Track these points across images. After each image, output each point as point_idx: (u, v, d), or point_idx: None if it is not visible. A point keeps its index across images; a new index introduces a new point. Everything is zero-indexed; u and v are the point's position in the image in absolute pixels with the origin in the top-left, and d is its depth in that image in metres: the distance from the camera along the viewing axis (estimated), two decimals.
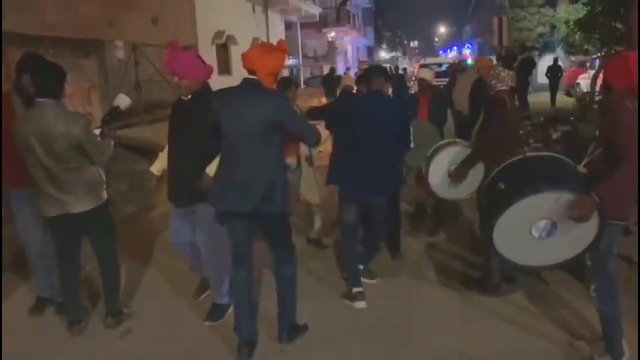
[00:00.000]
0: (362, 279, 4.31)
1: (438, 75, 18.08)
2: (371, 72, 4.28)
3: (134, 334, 3.82)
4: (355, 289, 4.17)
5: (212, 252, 3.82)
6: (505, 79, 4.11)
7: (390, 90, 4.89)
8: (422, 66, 6.28)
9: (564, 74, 19.49)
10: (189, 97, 3.61)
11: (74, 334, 3.79)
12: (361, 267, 4.41)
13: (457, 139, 4.96)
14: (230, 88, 3.30)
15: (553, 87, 18.54)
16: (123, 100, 3.81)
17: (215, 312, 3.96)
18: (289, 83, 5.06)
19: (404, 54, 49.76)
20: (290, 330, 3.63)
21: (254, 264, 3.60)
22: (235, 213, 3.28)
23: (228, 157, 3.26)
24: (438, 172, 4.65)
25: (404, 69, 26.84)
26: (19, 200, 3.87)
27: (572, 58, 25.05)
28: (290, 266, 3.55)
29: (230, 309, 3.89)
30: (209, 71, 3.67)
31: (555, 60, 19.23)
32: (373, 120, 4.00)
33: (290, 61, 23.18)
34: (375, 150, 4.00)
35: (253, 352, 3.50)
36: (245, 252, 3.47)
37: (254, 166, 3.18)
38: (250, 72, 3.25)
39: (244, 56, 3.27)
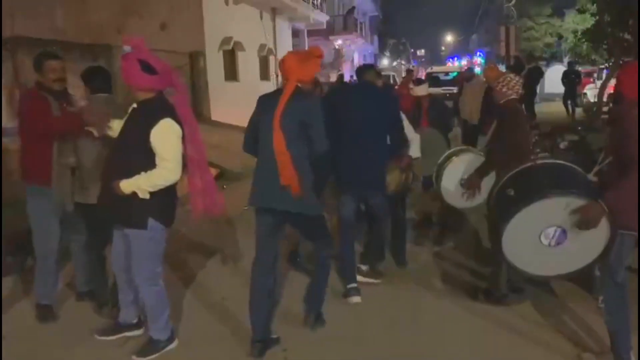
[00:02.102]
0: (364, 278, 4.57)
1: (444, 83, 18.12)
2: (362, 67, 4.69)
3: (138, 339, 3.80)
4: (350, 285, 4.30)
5: (145, 281, 3.45)
6: (516, 86, 4.09)
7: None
8: (418, 82, 6.36)
9: (581, 80, 18.22)
10: (135, 105, 3.36)
11: (105, 316, 3.98)
12: (362, 266, 4.65)
13: (470, 147, 4.93)
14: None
15: (569, 94, 17.05)
16: None
17: (149, 347, 3.55)
18: (315, 84, 5.07)
19: (408, 61, 48.94)
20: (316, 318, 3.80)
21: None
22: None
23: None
24: (450, 180, 4.64)
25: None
26: (44, 197, 3.84)
27: (580, 68, 25.01)
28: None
29: (173, 344, 3.61)
30: (152, 80, 3.26)
31: (570, 64, 18.45)
32: (359, 109, 4.14)
33: None
34: (364, 141, 4.10)
35: (264, 352, 3.52)
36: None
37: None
38: (287, 80, 3.40)
39: (281, 67, 3.43)
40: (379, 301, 4.28)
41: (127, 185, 3.19)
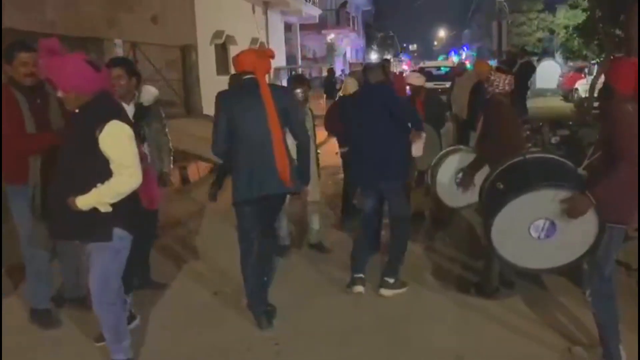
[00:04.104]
0: (393, 291, 4.30)
1: (437, 78, 18.10)
2: (368, 67, 4.64)
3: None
4: (356, 275, 4.32)
5: (105, 301, 3.11)
6: (499, 83, 4.12)
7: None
8: (412, 72, 6.41)
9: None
10: (77, 110, 2.94)
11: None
12: (389, 279, 4.32)
13: (461, 146, 4.96)
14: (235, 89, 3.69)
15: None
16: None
17: None
18: (302, 81, 5.08)
19: (395, 55, 47.47)
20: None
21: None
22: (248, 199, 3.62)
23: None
24: (446, 181, 4.67)
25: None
26: (25, 196, 3.61)
27: (571, 63, 25.10)
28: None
29: None
30: (100, 79, 2.91)
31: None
32: (365, 110, 4.23)
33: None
34: (374, 138, 4.18)
35: (272, 320, 3.78)
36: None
37: None
38: (247, 72, 3.58)
39: (240, 59, 3.59)
40: (371, 295, 4.30)
41: (85, 202, 2.85)
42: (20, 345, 3.66)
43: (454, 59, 40.64)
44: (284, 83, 18.77)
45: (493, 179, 3.63)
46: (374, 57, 39.52)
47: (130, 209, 3.05)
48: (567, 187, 3.10)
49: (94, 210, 2.89)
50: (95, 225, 2.93)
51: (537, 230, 3.20)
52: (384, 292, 4.27)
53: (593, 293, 3.24)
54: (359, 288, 4.29)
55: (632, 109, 2.95)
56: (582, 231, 3.10)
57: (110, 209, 2.91)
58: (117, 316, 3.22)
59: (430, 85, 6.40)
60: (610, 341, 3.17)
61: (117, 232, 2.98)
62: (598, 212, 3.02)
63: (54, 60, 2.86)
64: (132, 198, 3.03)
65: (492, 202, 3.51)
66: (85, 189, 2.86)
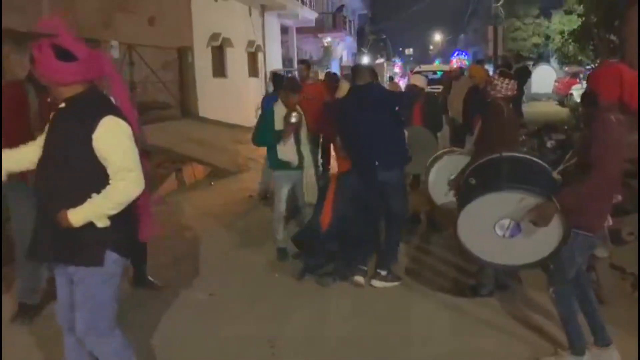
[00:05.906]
0: (385, 283, 4.53)
1: (432, 82, 18.16)
2: (355, 69, 4.77)
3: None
4: (360, 266, 4.59)
5: (100, 335, 2.62)
6: (501, 87, 4.12)
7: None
8: (415, 73, 6.43)
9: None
10: (63, 104, 2.56)
11: None
12: (381, 271, 4.59)
13: (455, 148, 4.97)
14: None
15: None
16: None
17: None
18: (293, 85, 5.11)
19: (388, 59, 46.81)
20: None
21: None
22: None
23: None
24: (438, 181, 4.67)
25: (390, 78, 25.83)
26: (21, 193, 3.60)
27: (566, 68, 25.24)
28: None
29: None
30: (72, 69, 2.47)
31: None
32: (362, 110, 4.40)
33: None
34: (373, 132, 4.39)
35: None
36: None
37: None
38: None
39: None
40: (366, 298, 4.30)
41: (79, 215, 2.45)
42: (19, 344, 3.62)
43: (454, 62, 40.48)
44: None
45: (468, 173, 3.67)
46: (365, 60, 39.23)
47: (126, 228, 2.65)
48: (534, 191, 3.09)
49: (85, 228, 2.48)
50: (85, 246, 2.52)
51: (502, 229, 3.21)
52: (375, 283, 4.49)
53: (555, 293, 3.25)
54: (360, 279, 4.50)
55: (615, 119, 2.91)
56: (547, 235, 3.10)
57: (108, 223, 2.51)
58: (119, 345, 2.70)
59: (427, 89, 6.43)
60: (573, 333, 3.23)
61: (112, 255, 2.57)
62: (562, 218, 3.01)
63: (38, 49, 2.49)
64: (128, 214, 2.61)
65: (463, 196, 3.55)
66: (75, 200, 2.45)
